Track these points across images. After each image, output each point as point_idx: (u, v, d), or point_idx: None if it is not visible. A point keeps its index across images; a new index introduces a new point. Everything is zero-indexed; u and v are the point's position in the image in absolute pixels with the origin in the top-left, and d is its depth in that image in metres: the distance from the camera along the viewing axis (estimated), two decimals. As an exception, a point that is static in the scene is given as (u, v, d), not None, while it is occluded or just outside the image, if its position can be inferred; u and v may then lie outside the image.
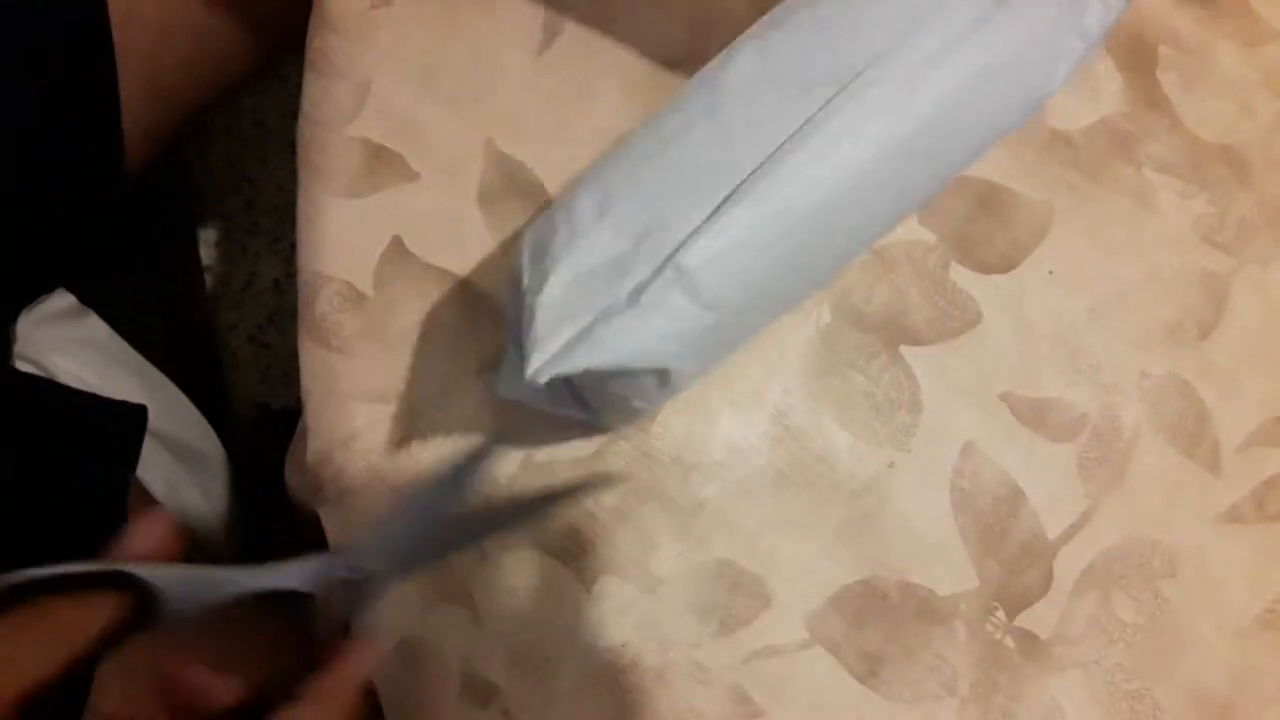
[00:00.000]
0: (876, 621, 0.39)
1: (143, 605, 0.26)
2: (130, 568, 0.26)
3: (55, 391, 0.49)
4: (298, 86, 0.43)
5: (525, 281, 0.31)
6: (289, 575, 0.30)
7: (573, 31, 0.43)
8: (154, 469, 0.50)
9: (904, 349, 0.41)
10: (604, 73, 0.42)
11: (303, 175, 0.42)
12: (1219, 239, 0.43)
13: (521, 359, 0.31)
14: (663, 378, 0.33)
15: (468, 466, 0.32)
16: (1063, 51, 0.32)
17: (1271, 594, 0.40)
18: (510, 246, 0.41)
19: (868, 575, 0.40)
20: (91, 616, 0.26)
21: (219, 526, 0.54)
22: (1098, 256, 0.42)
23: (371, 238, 0.41)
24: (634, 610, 0.39)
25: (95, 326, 0.54)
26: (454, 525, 0.32)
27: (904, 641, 0.39)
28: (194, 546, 0.51)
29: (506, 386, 0.37)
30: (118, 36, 0.46)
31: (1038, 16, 0.31)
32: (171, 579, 0.27)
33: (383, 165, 0.42)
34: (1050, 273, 0.42)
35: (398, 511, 0.31)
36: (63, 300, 0.53)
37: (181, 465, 0.53)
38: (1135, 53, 0.44)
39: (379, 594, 0.31)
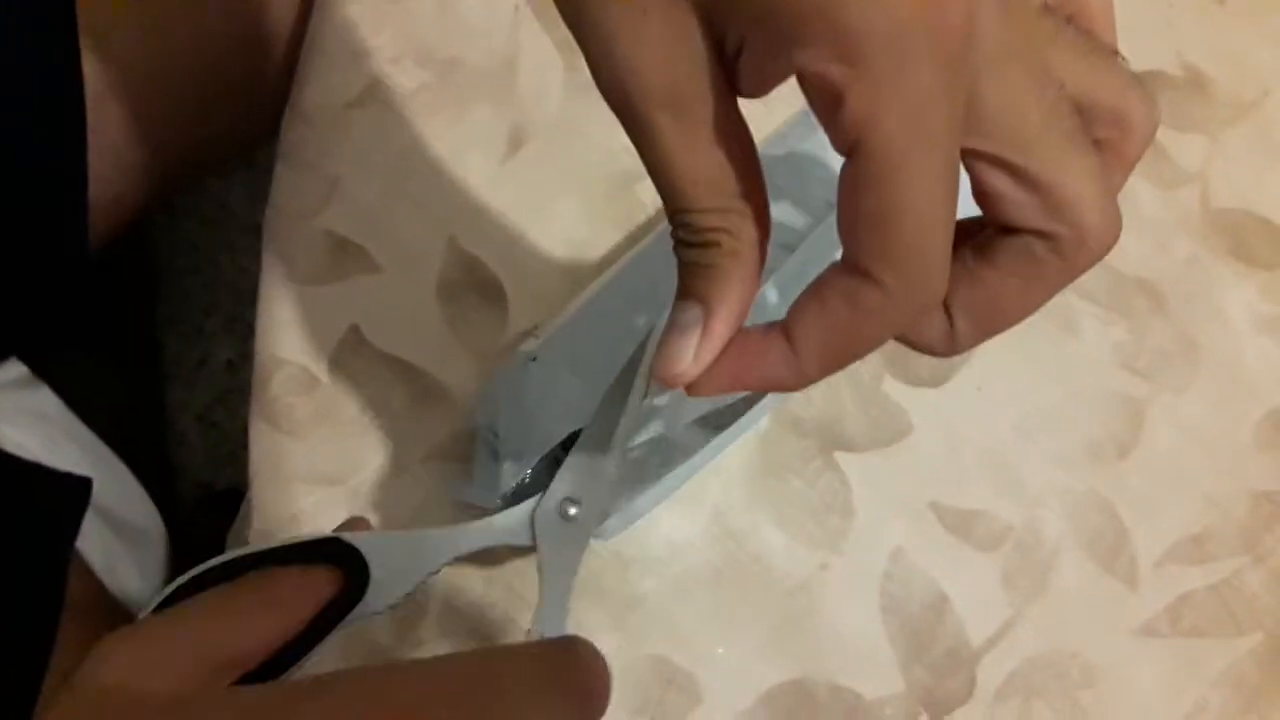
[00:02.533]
0: (805, 722, 0.40)
1: (354, 579, 0.26)
2: (345, 536, 0.26)
3: (-1, 460, 0.49)
4: (264, 171, 0.45)
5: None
6: (503, 529, 0.28)
7: (536, 144, 0.45)
8: (93, 543, 0.50)
9: (838, 455, 0.42)
10: (563, 183, 0.44)
11: (266, 261, 0.43)
12: (1137, 366, 0.45)
13: (506, 472, 0.33)
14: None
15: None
16: None
17: (1185, 707, 0.42)
18: (465, 339, 0.42)
19: (798, 676, 0.40)
20: (311, 587, 0.25)
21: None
22: (1024, 376, 0.44)
23: (330, 325, 0.42)
24: (567, 703, 0.39)
25: (46, 398, 0.54)
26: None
27: (830, 743, 0.40)
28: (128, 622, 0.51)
29: (475, 495, 0.38)
30: (92, 115, 0.48)
31: None
32: (383, 547, 0.26)
33: (346, 256, 0.43)
34: (978, 389, 0.44)
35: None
36: (14, 370, 0.54)
37: (121, 541, 0.53)
38: (1062, 188, 0.47)
39: (589, 533, 0.29)
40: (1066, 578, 0.42)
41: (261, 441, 0.41)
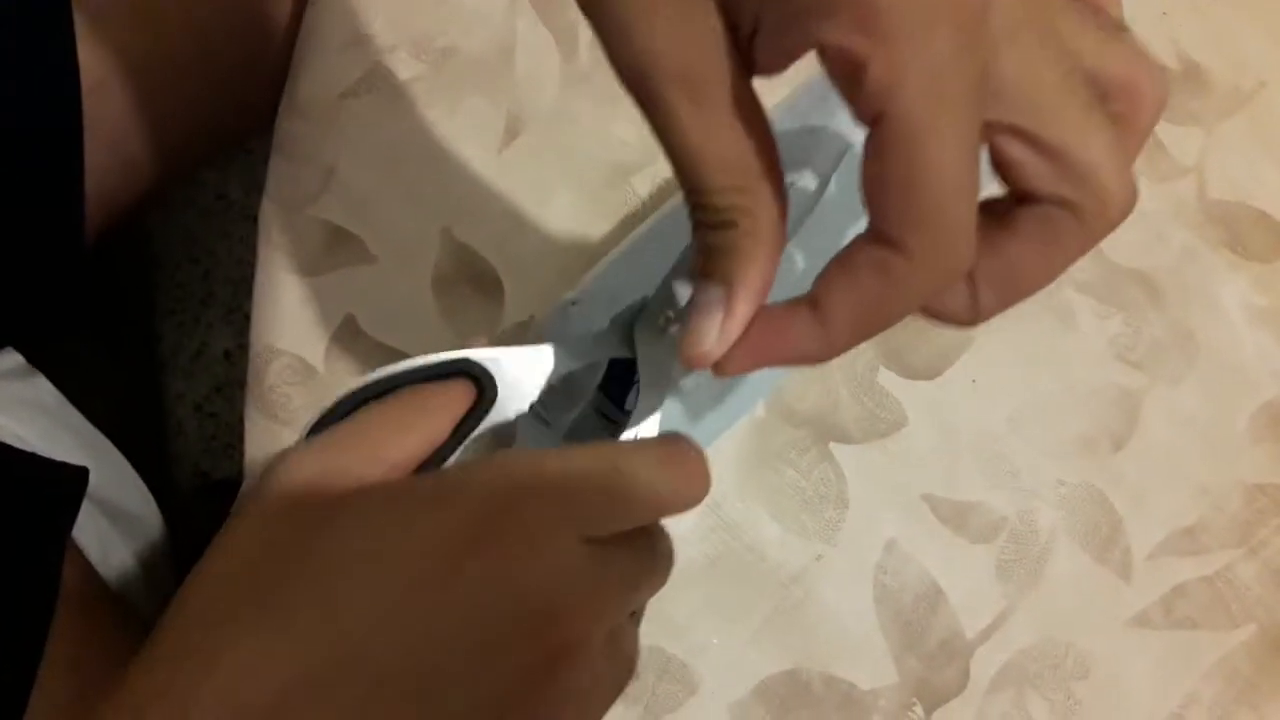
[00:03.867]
0: (799, 712, 0.40)
1: (484, 391, 0.28)
2: (472, 354, 0.28)
3: (-6, 449, 0.49)
4: (261, 161, 0.45)
5: None
6: (607, 343, 0.30)
7: (532, 134, 0.45)
8: (90, 532, 0.50)
9: (833, 446, 0.42)
10: (559, 175, 0.44)
11: (262, 251, 0.43)
12: (1132, 357, 0.45)
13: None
14: None
15: None
16: None
17: (1178, 698, 0.42)
18: (461, 330, 0.43)
19: (792, 666, 0.41)
20: (452, 398, 0.28)
21: (151, 593, 0.53)
22: (1019, 369, 0.44)
23: (326, 315, 0.42)
24: (561, 693, 0.39)
25: (42, 388, 0.54)
26: None
27: (824, 733, 0.40)
28: (124, 612, 0.51)
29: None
30: (87, 104, 0.48)
31: None
32: (506, 361, 0.29)
33: (341, 246, 0.43)
34: (973, 382, 0.44)
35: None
36: (10, 360, 0.54)
37: (118, 530, 0.53)
38: (1058, 180, 0.47)
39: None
40: (1060, 569, 0.42)
41: (257, 432, 0.41)
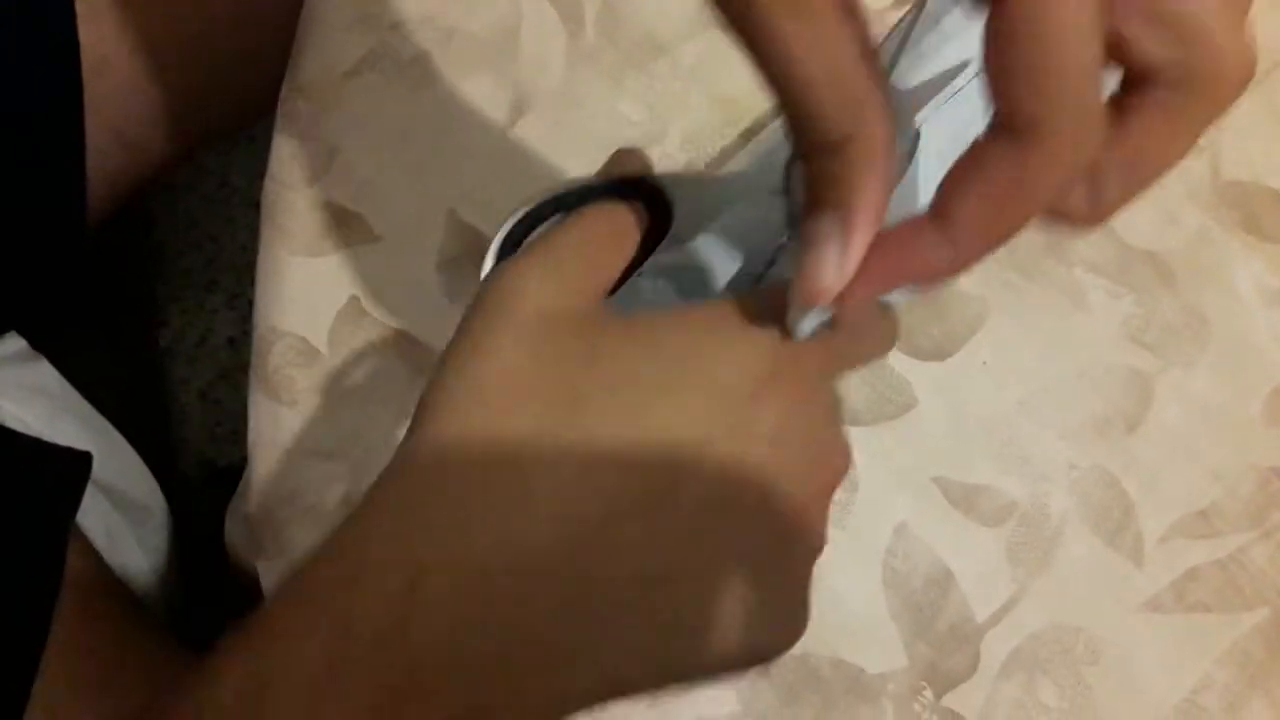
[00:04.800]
0: (808, 697, 0.40)
1: (659, 216, 0.28)
2: (651, 178, 0.28)
3: (-2, 435, 0.48)
4: (265, 147, 0.45)
5: None
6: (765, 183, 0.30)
7: (538, 112, 0.45)
8: (94, 518, 0.50)
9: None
10: (565, 154, 0.44)
11: (265, 232, 0.43)
12: (1145, 339, 0.45)
13: None
14: None
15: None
16: None
17: (1191, 682, 0.41)
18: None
19: (801, 650, 0.40)
20: (636, 220, 0.28)
21: (156, 579, 0.53)
22: (1030, 351, 0.44)
23: (329, 296, 0.42)
24: (568, 676, 0.39)
25: (45, 373, 0.54)
26: None
27: (833, 718, 0.39)
28: (129, 598, 0.51)
29: None
30: (88, 84, 0.47)
31: None
32: (680, 187, 0.28)
33: (345, 227, 0.43)
34: (984, 364, 0.43)
35: None
36: (14, 344, 0.53)
37: (122, 516, 0.53)
38: (1069, 160, 0.47)
39: None
40: (1072, 553, 0.42)
41: (260, 414, 0.41)
